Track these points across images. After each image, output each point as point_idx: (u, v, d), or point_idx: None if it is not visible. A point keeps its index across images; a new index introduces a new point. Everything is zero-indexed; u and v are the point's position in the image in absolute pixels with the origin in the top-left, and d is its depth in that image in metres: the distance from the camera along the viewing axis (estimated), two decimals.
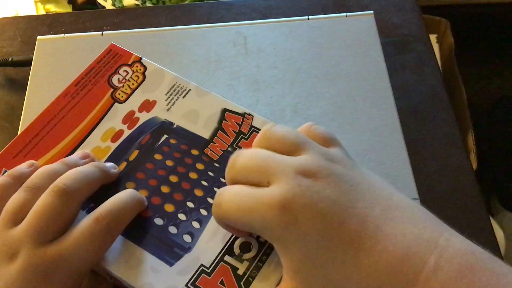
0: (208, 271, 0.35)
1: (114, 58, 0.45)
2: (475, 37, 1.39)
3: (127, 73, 0.45)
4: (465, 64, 1.17)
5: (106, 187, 0.38)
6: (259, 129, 0.41)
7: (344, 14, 0.57)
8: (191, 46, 0.55)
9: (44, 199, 0.34)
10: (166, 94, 0.43)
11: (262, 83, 0.52)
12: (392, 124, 0.48)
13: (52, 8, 0.89)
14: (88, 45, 0.56)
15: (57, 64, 0.54)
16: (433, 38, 1.10)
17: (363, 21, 0.56)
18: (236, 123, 0.41)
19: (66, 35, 0.57)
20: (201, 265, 0.35)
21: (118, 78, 0.44)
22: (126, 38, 0.56)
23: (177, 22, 0.61)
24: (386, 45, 0.56)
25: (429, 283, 0.27)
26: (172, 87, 0.44)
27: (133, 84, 0.44)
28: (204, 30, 0.57)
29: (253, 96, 0.51)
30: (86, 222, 0.34)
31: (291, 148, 0.33)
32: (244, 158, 0.33)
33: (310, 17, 0.57)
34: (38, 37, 0.56)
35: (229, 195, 0.32)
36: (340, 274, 0.29)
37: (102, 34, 0.57)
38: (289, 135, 0.33)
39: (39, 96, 0.52)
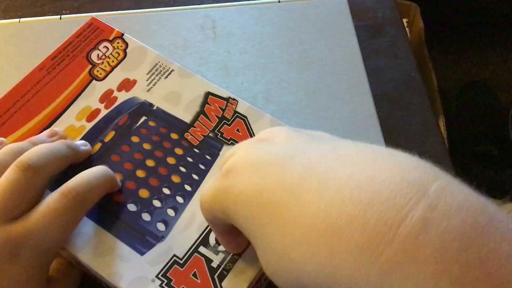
0: (181, 262, 0.33)
1: (94, 33, 0.43)
2: (443, 22, 1.40)
3: (107, 49, 0.43)
4: (434, 49, 1.17)
5: (78, 169, 0.36)
6: (243, 115, 0.39)
7: None
8: (156, 31, 0.53)
9: (8, 175, 0.32)
10: (147, 74, 0.42)
11: (232, 69, 0.50)
12: (367, 110, 0.47)
13: None
14: (45, 30, 0.52)
15: (12, 51, 0.51)
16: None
17: (336, 3, 0.54)
18: (220, 107, 0.40)
19: (22, 19, 0.54)
20: (174, 255, 0.33)
21: (98, 54, 0.42)
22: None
23: (140, 6, 0.57)
24: (358, 29, 0.54)
25: (415, 242, 0.19)
26: (154, 66, 0.42)
27: (113, 61, 0.42)
28: (170, 13, 0.54)
29: (223, 83, 0.49)
30: (53, 196, 0.32)
31: None
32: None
33: None
34: None
35: (206, 187, 0.30)
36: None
37: (60, 18, 0.53)
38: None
39: None
